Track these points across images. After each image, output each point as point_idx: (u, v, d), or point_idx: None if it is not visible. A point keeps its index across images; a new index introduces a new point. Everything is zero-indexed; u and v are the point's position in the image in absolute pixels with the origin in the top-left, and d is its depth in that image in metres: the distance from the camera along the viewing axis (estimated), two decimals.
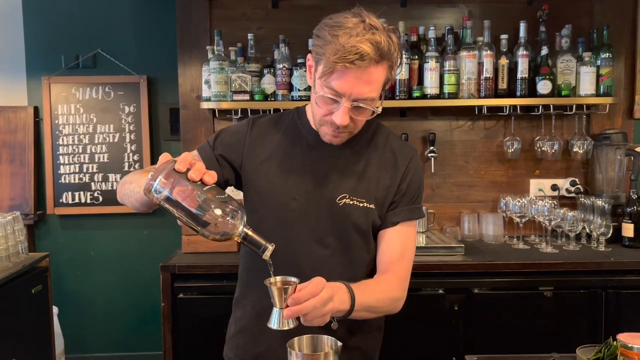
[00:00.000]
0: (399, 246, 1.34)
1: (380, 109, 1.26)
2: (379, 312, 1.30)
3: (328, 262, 1.32)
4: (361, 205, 1.32)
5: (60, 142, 3.09)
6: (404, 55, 2.52)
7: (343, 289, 1.15)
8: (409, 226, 1.36)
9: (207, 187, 1.03)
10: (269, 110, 2.60)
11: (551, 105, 2.60)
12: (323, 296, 1.04)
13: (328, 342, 1.09)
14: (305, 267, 1.26)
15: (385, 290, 1.28)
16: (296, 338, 1.08)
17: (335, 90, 1.18)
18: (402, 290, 1.32)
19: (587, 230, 2.49)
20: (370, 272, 1.37)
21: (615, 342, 1.16)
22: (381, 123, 1.44)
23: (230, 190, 1.32)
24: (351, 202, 1.32)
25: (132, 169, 3.09)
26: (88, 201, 3.11)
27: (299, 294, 1.03)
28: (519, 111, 2.65)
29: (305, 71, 2.50)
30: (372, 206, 1.33)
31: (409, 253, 1.36)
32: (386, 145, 1.38)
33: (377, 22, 1.19)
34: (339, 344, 1.07)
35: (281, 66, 2.54)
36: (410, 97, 2.57)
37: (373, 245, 1.38)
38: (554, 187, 2.80)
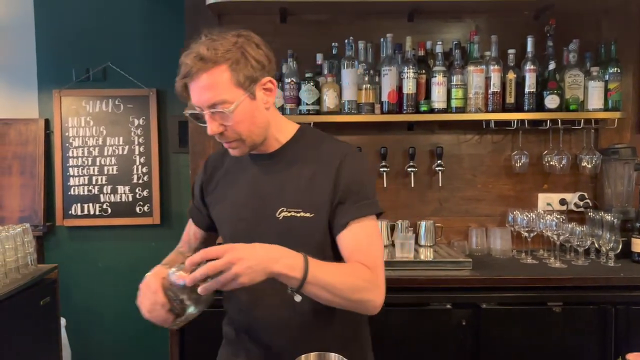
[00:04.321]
0: (356, 243, 1.30)
1: (267, 104, 1.30)
2: (343, 298, 1.21)
3: None
4: (299, 215, 1.31)
5: (70, 155, 3.12)
6: (411, 69, 2.53)
7: (295, 256, 1.15)
8: (362, 224, 1.30)
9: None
10: None
11: (559, 120, 2.60)
12: (220, 260, 1.08)
13: None
14: (264, 285, 1.26)
15: (350, 273, 1.24)
16: (303, 356, 1.08)
17: (193, 104, 1.28)
18: (372, 284, 1.25)
19: (596, 245, 2.47)
20: None
21: None
22: (317, 130, 1.46)
23: None
24: (289, 215, 1.32)
25: (140, 181, 3.11)
26: (97, 213, 3.13)
27: (191, 259, 1.11)
28: (526, 125, 2.65)
29: (313, 85, 2.55)
30: (309, 214, 1.31)
31: (372, 247, 1.30)
32: (320, 150, 1.37)
33: (215, 34, 1.27)
34: None
35: (289, 80, 2.56)
36: (417, 111, 2.58)
37: (329, 255, 1.34)
38: (563, 202, 2.79)
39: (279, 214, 1.32)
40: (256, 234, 1.31)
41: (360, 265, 1.26)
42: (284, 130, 1.39)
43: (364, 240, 1.30)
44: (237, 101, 1.25)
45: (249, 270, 1.09)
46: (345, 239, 1.31)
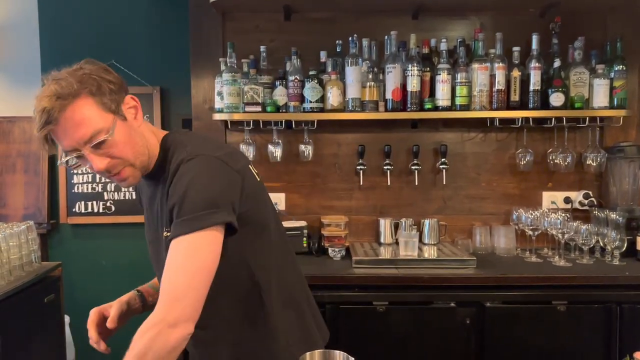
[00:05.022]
0: (166, 269, 1.15)
1: (136, 123, 1.24)
2: (155, 353, 1.10)
3: None
4: (168, 234, 1.21)
5: None
6: (415, 67, 2.52)
7: None
8: (177, 244, 1.15)
9: None
10: (281, 122, 2.62)
11: (564, 118, 2.59)
12: None
13: (340, 358, 1.08)
14: None
15: (132, 347, 1.13)
16: (308, 353, 1.08)
17: (68, 150, 1.19)
18: (157, 316, 1.11)
19: (601, 244, 2.46)
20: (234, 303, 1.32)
21: None
22: (177, 137, 1.33)
23: None
24: (168, 234, 1.22)
25: None
26: (100, 211, 3.13)
27: None
28: (531, 123, 2.63)
29: (317, 83, 2.54)
30: (167, 233, 1.23)
31: (175, 275, 1.13)
32: (171, 162, 1.26)
33: (60, 73, 1.18)
34: (352, 359, 1.06)
35: (293, 78, 2.55)
36: (421, 109, 2.57)
37: None
38: (567, 200, 2.78)
39: (165, 235, 1.26)
40: (157, 255, 1.36)
41: (140, 329, 1.14)
42: (153, 146, 1.30)
43: (171, 266, 1.14)
44: (112, 125, 1.18)
45: None
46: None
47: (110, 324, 1.36)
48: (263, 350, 1.34)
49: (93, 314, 1.36)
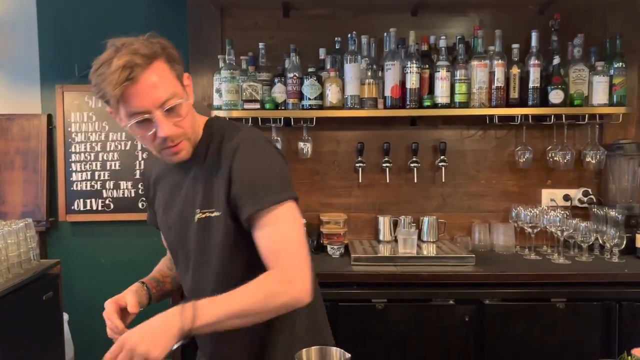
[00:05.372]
0: (266, 241, 1.22)
1: (190, 99, 1.26)
2: (260, 313, 1.19)
3: (213, 277, 1.31)
4: (213, 215, 1.27)
5: (73, 150, 3.12)
6: (414, 64, 2.52)
7: (171, 315, 1.15)
8: (265, 217, 1.21)
9: None
10: (280, 119, 2.61)
11: (563, 115, 2.58)
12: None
13: (337, 354, 1.08)
14: (201, 288, 1.31)
15: (253, 290, 1.17)
16: (304, 350, 1.08)
17: (138, 111, 1.17)
18: (283, 284, 1.18)
19: (600, 241, 2.45)
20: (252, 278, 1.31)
21: (630, 357, 1.14)
22: (225, 120, 1.41)
23: None
24: (203, 216, 1.28)
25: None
26: (99, 208, 3.13)
27: None
28: (530, 121, 2.63)
29: (316, 80, 2.54)
30: (217, 213, 1.26)
31: (282, 244, 1.22)
32: (221, 143, 1.30)
33: (132, 39, 1.20)
34: (348, 355, 1.06)
35: (292, 75, 2.55)
36: (420, 106, 2.56)
37: (246, 253, 1.28)
38: (566, 198, 2.77)
39: (195, 217, 1.29)
40: (182, 240, 1.34)
41: (264, 275, 1.19)
42: (197, 127, 1.32)
43: (272, 238, 1.22)
44: (182, 94, 1.21)
45: (150, 350, 1.11)
46: (256, 237, 1.24)
47: (134, 309, 1.31)
48: (310, 335, 1.37)
49: (110, 305, 1.31)
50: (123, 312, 1.33)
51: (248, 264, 1.27)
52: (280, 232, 1.22)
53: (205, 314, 1.13)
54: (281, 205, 1.22)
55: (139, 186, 3.12)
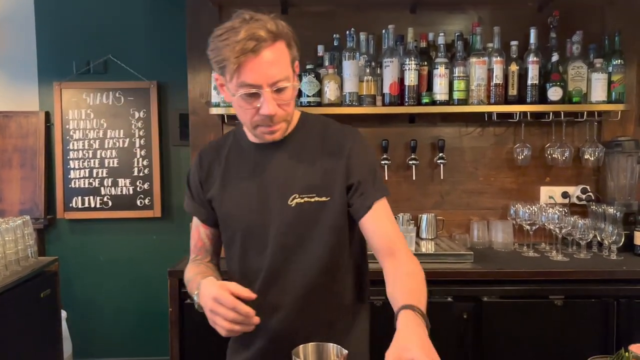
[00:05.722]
0: (387, 223, 1.31)
1: (298, 84, 1.30)
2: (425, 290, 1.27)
3: (300, 264, 1.32)
4: (313, 200, 1.30)
5: (71, 147, 3.11)
6: (413, 61, 2.52)
7: (415, 319, 1.15)
8: (382, 205, 1.32)
9: None
10: None
11: (562, 112, 2.58)
12: None
13: (334, 350, 1.08)
14: (283, 276, 1.32)
15: (419, 277, 1.26)
16: (301, 346, 1.07)
17: (250, 84, 1.20)
18: (414, 258, 1.29)
19: (599, 239, 2.45)
20: (344, 264, 1.37)
21: (627, 353, 1.14)
22: (319, 115, 1.45)
23: None
24: (302, 200, 1.30)
25: (141, 174, 3.10)
26: (97, 206, 3.13)
27: None
28: (529, 118, 2.63)
29: (314, 77, 2.53)
30: (325, 198, 1.31)
31: (397, 225, 1.35)
32: (325, 134, 1.36)
33: (259, 14, 1.23)
34: (345, 351, 1.06)
35: None
36: (419, 103, 2.56)
37: (344, 238, 1.35)
38: (565, 195, 2.77)
39: (291, 201, 1.30)
40: (267, 224, 1.32)
41: (402, 256, 1.28)
42: (294, 114, 1.37)
43: (392, 222, 1.32)
44: (292, 79, 1.25)
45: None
46: (374, 221, 1.30)
47: (251, 294, 1.17)
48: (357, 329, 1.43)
49: (228, 293, 1.15)
50: None
51: (340, 247, 1.34)
52: (394, 221, 1.34)
53: (422, 304, 1.20)
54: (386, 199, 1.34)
55: (137, 183, 3.12)
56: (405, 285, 1.21)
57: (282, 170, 1.33)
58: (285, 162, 1.33)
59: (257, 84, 1.19)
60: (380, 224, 1.31)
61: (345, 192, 1.31)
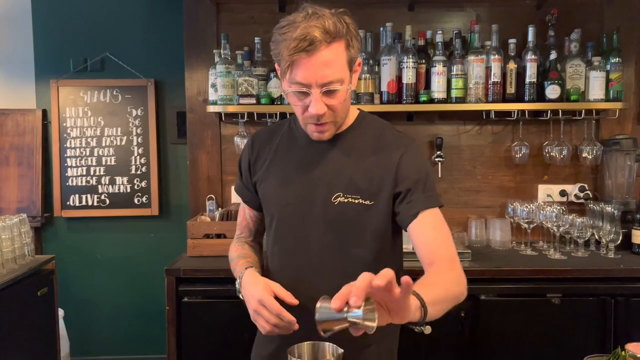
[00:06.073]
0: (432, 233, 1.28)
1: (352, 86, 1.27)
2: (452, 300, 1.21)
3: (335, 261, 1.31)
4: (356, 202, 1.30)
5: (68, 145, 3.10)
6: (410, 59, 2.51)
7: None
8: (432, 214, 1.29)
9: None
10: (276, 114, 2.60)
11: (560, 110, 2.58)
12: None
13: (329, 349, 1.07)
14: (315, 268, 1.31)
15: (451, 282, 1.22)
16: (296, 345, 1.07)
17: (300, 82, 1.20)
18: (463, 287, 1.24)
19: (596, 237, 2.45)
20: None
21: (623, 352, 1.14)
22: (377, 117, 1.43)
23: None
24: (346, 200, 1.30)
25: (139, 172, 3.10)
26: (95, 204, 3.12)
27: None
28: (527, 116, 2.63)
29: None
30: (369, 202, 1.30)
31: (446, 236, 1.29)
32: (380, 139, 1.36)
33: (324, 10, 1.21)
34: (340, 350, 1.06)
35: None
36: (417, 102, 2.56)
37: (387, 243, 1.35)
38: (563, 193, 2.77)
39: (335, 199, 1.30)
40: (306, 218, 1.32)
41: (442, 264, 1.24)
42: (350, 114, 1.36)
43: (439, 232, 1.28)
44: (348, 81, 1.23)
45: None
46: (419, 230, 1.28)
47: (293, 299, 1.21)
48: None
49: (273, 297, 1.18)
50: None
51: (382, 253, 1.33)
52: (445, 231, 1.29)
53: (430, 299, 1.07)
54: (439, 210, 1.31)
55: (135, 181, 3.11)
56: (426, 278, 1.17)
57: (330, 166, 1.33)
58: (335, 159, 1.33)
59: (308, 82, 1.19)
60: (423, 234, 1.28)
61: (392, 200, 1.30)
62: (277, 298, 1.20)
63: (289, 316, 1.16)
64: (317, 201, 1.31)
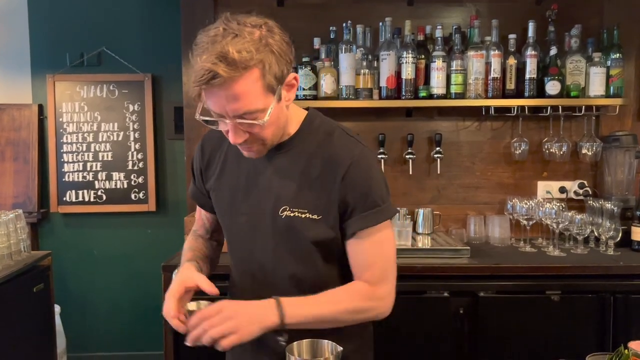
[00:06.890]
0: (363, 255, 1.25)
1: (288, 102, 1.18)
2: (344, 322, 1.23)
3: (287, 273, 1.28)
4: (303, 216, 1.23)
5: (64, 140, 3.08)
6: (410, 54, 2.49)
7: (265, 306, 1.14)
8: (370, 233, 1.23)
9: None
10: None
11: (560, 107, 2.56)
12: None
13: (328, 347, 1.06)
14: (268, 279, 1.29)
15: (343, 300, 1.21)
16: (295, 343, 1.06)
17: (212, 111, 1.12)
18: (373, 300, 1.24)
19: (596, 234, 2.45)
20: (343, 280, 1.29)
21: (627, 351, 1.13)
22: (326, 119, 1.32)
23: None
24: (292, 215, 1.23)
25: (136, 168, 3.08)
26: (91, 200, 3.10)
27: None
28: (527, 112, 2.61)
29: (310, 70, 2.51)
30: (316, 216, 1.23)
31: (379, 259, 1.25)
32: (328, 146, 1.25)
33: (242, 25, 1.09)
34: (339, 348, 1.05)
35: None
36: (416, 97, 2.54)
37: (337, 257, 1.28)
38: (562, 190, 2.76)
39: (282, 212, 1.23)
40: (255, 231, 1.28)
41: (356, 286, 1.24)
42: (293, 120, 1.26)
43: (370, 253, 1.24)
44: (269, 109, 1.11)
45: (241, 327, 1.11)
46: (352, 249, 1.25)
47: (213, 288, 1.19)
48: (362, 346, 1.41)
49: (179, 292, 1.20)
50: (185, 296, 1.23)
51: (329, 266, 1.28)
52: (381, 248, 1.25)
53: (296, 314, 1.15)
54: (385, 223, 1.24)
55: (132, 177, 3.09)
56: (322, 295, 1.20)
57: (277, 176, 1.26)
58: (282, 169, 1.26)
59: (218, 112, 1.11)
60: (355, 253, 1.25)
61: (338, 214, 1.23)
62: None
63: (172, 322, 1.18)
64: (265, 213, 1.26)
